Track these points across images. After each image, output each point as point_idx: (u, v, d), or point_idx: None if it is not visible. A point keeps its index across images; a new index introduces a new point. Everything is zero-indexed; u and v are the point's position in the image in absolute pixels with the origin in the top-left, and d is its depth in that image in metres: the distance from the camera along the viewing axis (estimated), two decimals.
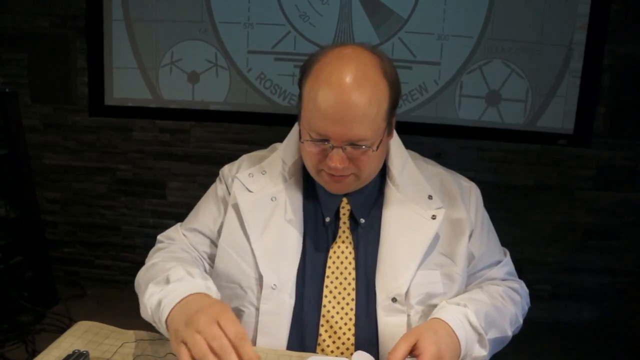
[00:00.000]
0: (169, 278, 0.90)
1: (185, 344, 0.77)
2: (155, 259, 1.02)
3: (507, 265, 1.09)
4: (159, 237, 1.11)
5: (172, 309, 0.84)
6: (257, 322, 0.98)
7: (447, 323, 0.90)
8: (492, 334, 0.95)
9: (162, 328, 0.86)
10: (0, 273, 2.33)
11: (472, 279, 1.06)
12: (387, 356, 0.84)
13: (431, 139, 2.57)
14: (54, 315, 2.38)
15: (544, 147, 2.59)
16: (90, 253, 2.74)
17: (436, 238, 1.00)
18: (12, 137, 2.42)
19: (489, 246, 1.08)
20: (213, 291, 0.89)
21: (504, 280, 1.07)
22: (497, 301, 1.01)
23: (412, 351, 0.85)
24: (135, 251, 2.62)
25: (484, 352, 0.93)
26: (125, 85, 2.67)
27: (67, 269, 2.76)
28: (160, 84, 2.64)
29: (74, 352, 0.88)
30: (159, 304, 0.86)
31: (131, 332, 0.99)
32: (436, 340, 0.86)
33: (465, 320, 0.92)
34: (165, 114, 2.63)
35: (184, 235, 1.09)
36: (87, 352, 0.89)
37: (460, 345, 0.88)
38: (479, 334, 0.92)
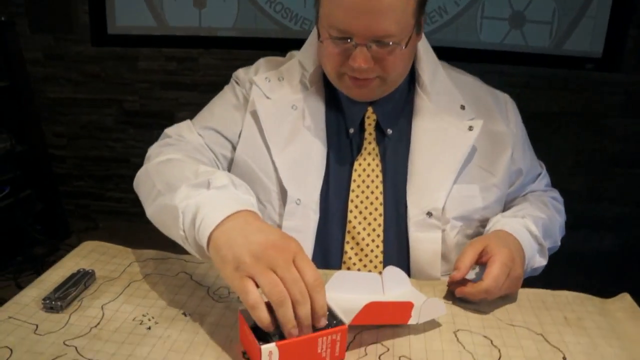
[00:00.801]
0: (210, 182, 0.74)
1: (253, 279, 0.63)
2: (169, 154, 0.88)
3: (545, 177, 1.06)
4: (167, 130, 0.98)
5: (220, 223, 0.67)
6: None
7: (510, 233, 0.86)
8: (548, 244, 0.92)
9: (195, 241, 0.70)
10: (11, 206, 2.31)
11: (517, 194, 1.01)
12: (454, 265, 0.82)
13: (451, 63, 2.44)
14: (67, 247, 2.36)
15: (570, 71, 2.46)
16: (100, 186, 2.69)
17: (473, 150, 0.92)
18: (12, 68, 2.32)
19: (532, 160, 1.03)
20: (257, 210, 0.74)
21: (544, 192, 1.04)
22: (548, 212, 0.97)
23: (480, 258, 0.82)
24: None
25: (544, 262, 0.91)
26: (128, 12, 2.54)
27: (78, 202, 2.72)
28: (165, 10, 2.51)
29: (78, 271, 0.82)
30: (197, 211, 0.69)
31: (140, 251, 0.92)
32: (506, 243, 0.82)
33: (526, 231, 0.88)
34: (172, 41, 2.51)
35: (199, 134, 0.96)
36: (92, 270, 0.82)
37: (525, 256, 0.84)
38: (540, 244, 0.89)
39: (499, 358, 0.70)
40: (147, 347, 0.68)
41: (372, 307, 0.66)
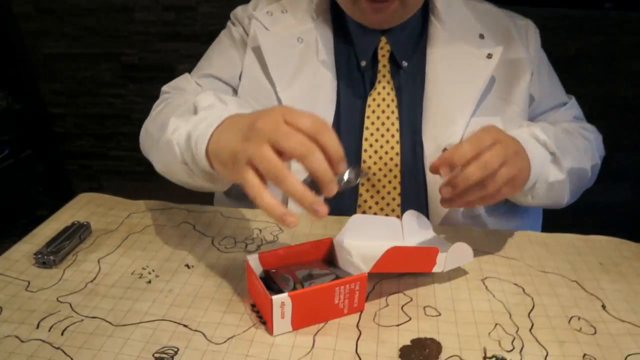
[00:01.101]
0: (197, 106, 0.69)
1: (252, 164, 0.56)
2: (163, 105, 0.84)
3: (573, 108, 0.96)
4: (164, 87, 0.93)
5: (212, 134, 0.61)
6: None
7: (514, 137, 0.72)
8: (569, 162, 0.79)
9: (198, 165, 0.65)
10: (11, 168, 2.25)
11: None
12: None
13: None
14: None
15: (587, 12, 2.33)
16: (102, 145, 2.62)
17: (492, 81, 0.84)
18: (3, 24, 2.23)
19: (552, 88, 0.94)
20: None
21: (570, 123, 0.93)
22: (566, 131, 0.88)
23: None
24: None
25: (560, 176, 0.78)
26: None
27: (80, 162, 2.66)
28: None
29: (73, 224, 0.76)
30: (189, 136, 0.65)
31: (140, 202, 0.86)
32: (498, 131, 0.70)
33: (531, 138, 0.75)
34: None
35: (197, 84, 0.90)
36: (88, 223, 0.76)
37: (529, 163, 0.71)
38: (552, 153, 0.77)
39: (532, 307, 0.64)
40: (147, 302, 0.62)
41: (394, 253, 0.60)
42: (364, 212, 0.85)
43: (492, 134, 0.66)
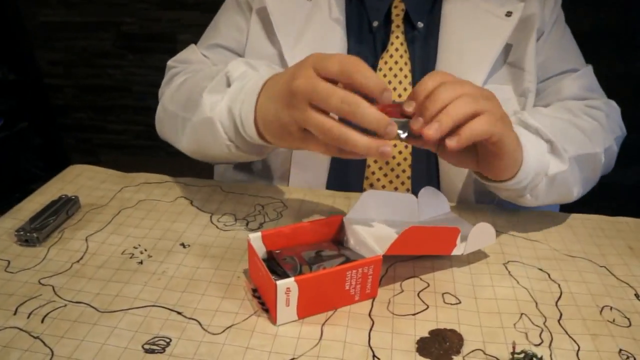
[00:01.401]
0: (229, 77, 0.66)
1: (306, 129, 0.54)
2: (180, 78, 0.79)
3: (585, 76, 0.83)
4: (169, 62, 0.88)
5: (256, 107, 0.59)
6: (290, 153, 0.78)
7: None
8: (572, 149, 0.69)
9: (247, 141, 0.63)
10: (7, 139, 2.19)
11: (538, 91, 0.81)
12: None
13: None
14: None
15: None
16: (101, 118, 2.55)
17: (508, 45, 0.77)
18: None
19: (562, 51, 0.83)
20: None
21: (580, 100, 0.82)
22: (568, 111, 0.77)
23: None
24: (149, 113, 2.37)
25: (562, 166, 0.67)
26: None
27: (78, 135, 2.59)
28: None
29: (60, 198, 0.70)
30: (229, 111, 0.63)
31: (134, 174, 0.80)
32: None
33: (519, 127, 0.66)
34: None
35: (204, 55, 0.85)
36: (76, 197, 0.70)
37: (522, 151, 0.62)
38: (548, 141, 0.67)
39: (560, 295, 0.58)
40: (138, 286, 0.56)
41: (412, 234, 0.54)
42: (371, 185, 0.79)
43: (477, 89, 0.56)
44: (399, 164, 0.78)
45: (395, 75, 0.78)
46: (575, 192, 0.72)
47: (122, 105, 2.48)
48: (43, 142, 2.35)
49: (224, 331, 0.50)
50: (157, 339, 0.49)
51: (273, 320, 0.51)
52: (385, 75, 0.78)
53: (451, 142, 0.53)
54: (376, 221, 0.61)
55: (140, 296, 0.54)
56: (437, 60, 0.78)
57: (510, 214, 0.74)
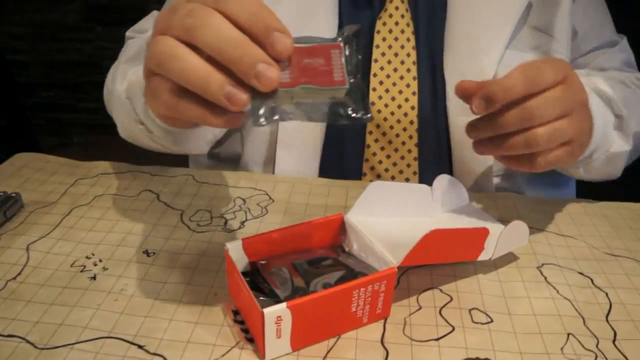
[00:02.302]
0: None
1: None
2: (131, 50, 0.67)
3: (624, 51, 0.75)
4: (128, 32, 0.75)
5: None
6: (276, 133, 0.66)
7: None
8: (634, 126, 0.61)
9: (149, 116, 0.52)
10: None
11: (577, 67, 0.72)
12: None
13: None
14: None
15: None
16: (71, 96, 2.39)
17: (529, 5, 0.66)
18: None
19: (599, 21, 0.73)
20: None
21: (620, 72, 0.73)
22: (623, 83, 0.68)
23: None
24: None
25: (625, 146, 0.60)
26: None
27: (47, 116, 2.43)
28: None
29: None
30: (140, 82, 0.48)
31: (91, 163, 0.68)
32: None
33: (593, 93, 0.56)
34: None
35: None
36: (17, 194, 0.58)
37: (592, 124, 0.53)
38: (617, 116, 0.59)
39: (610, 307, 0.48)
40: (89, 310, 0.44)
41: (433, 239, 0.42)
42: (372, 169, 0.67)
43: (559, 69, 0.46)
44: (403, 143, 0.66)
45: (396, 39, 0.66)
46: (620, 173, 0.64)
47: (92, 82, 2.33)
48: (8, 123, 2.19)
49: None
50: None
51: (260, 354, 0.40)
52: (384, 39, 0.66)
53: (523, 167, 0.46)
54: (385, 220, 0.49)
55: (90, 324, 0.43)
56: (446, 23, 0.66)
57: (535, 202, 0.64)
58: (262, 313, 0.37)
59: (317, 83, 0.35)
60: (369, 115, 0.36)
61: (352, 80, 0.35)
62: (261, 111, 0.34)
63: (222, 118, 0.35)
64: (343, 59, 0.36)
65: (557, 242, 0.57)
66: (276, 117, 0.35)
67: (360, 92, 0.36)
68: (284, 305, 0.37)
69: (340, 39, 0.36)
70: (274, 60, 0.33)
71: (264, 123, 0.34)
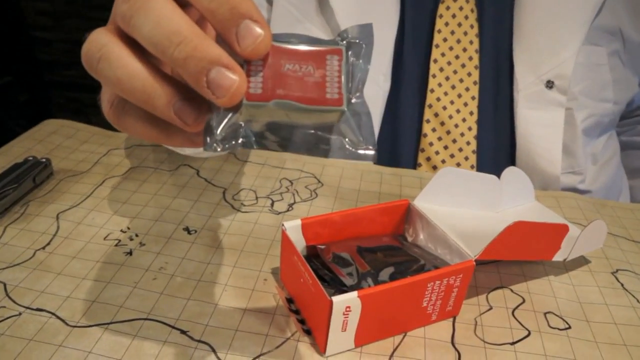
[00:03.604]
0: None
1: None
2: None
3: None
4: None
5: None
6: None
7: None
8: None
9: None
10: None
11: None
12: None
13: None
14: None
15: None
16: (92, 76, 2.36)
17: None
18: None
19: None
20: None
21: None
22: None
23: None
24: None
25: None
26: None
27: (68, 95, 2.40)
28: None
29: (26, 161, 0.53)
30: None
31: (124, 134, 0.63)
32: None
33: None
34: None
35: None
36: (47, 160, 0.54)
37: None
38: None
39: None
40: (125, 288, 0.40)
41: (516, 232, 0.38)
42: (428, 158, 0.62)
43: None
44: (462, 135, 0.61)
45: (460, 25, 0.62)
46: None
47: None
48: (29, 98, 2.16)
49: None
50: None
51: (320, 348, 0.35)
52: (447, 24, 0.62)
53: None
54: (454, 211, 0.45)
55: (127, 304, 0.38)
56: (515, 9, 0.62)
57: (601, 205, 0.59)
58: (331, 302, 0.32)
59: (301, 99, 0.25)
60: (372, 151, 0.26)
61: (353, 101, 0.26)
62: (218, 131, 0.25)
63: (177, 138, 0.28)
64: (343, 70, 0.26)
65: (629, 247, 0.52)
66: (239, 142, 0.25)
67: (362, 117, 0.26)
68: (354, 294, 0.33)
69: (343, 41, 0.27)
70: (244, 62, 0.25)
71: (219, 149, 0.25)
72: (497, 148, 0.63)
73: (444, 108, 0.61)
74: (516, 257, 0.42)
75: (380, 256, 0.39)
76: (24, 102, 2.15)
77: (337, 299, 0.32)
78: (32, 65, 2.19)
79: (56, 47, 2.33)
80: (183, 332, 0.36)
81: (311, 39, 0.27)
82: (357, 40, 0.27)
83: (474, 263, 0.37)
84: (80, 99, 2.41)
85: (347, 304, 0.33)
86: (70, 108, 2.39)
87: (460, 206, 0.46)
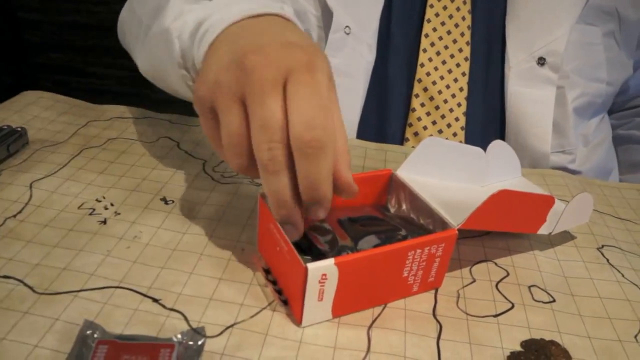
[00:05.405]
0: None
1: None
2: None
3: None
4: None
5: (224, 30, 0.37)
6: None
7: None
8: None
9: (194, 65, 0.41)
10: None
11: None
12: None
13: None
14: None
15: None
16: (80, 59, 2.32)
17: None
18: None
19: None
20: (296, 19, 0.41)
21: None
22: None
23: None
24: None
25: None
26: None
27: (55, 78, 2.37)
28: None
29: (0, 129, 0.51)
30: (200, 24, 0.39)
31: (105, 106, 0.62)
32: None
33: None
34: None
35: None
36: (23, 129, 0.52)
37: None
38: None
39: None
40: (97, 256, 0.39)
41: (500, 201, 0.37)
42: (416, 134, 0.61)
43: None
44: (451, 110, 0.60)
45: (451, 17, 0.60)
46: None
47: (104, 46, 2.26)
48: (14, 81, 2.13)
49: (222, 333, 0.33)
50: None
51: (297, 319, 0.34)
52: (437, 15, 0.60)
53: None
54: (436, 183, 0.44)
55: (98, 271, 0.37)
56: None
57: (587, 184, 0.58)
58: (306, 269, 0.31)
59: None
60: None
61: None
62: None
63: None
64: None
65: (615, 224, 0.51)
66: None
67: None
68: (331, 261, 0.32)
69: (177, 338, 0.32)
70: None
71: None
72: (487, 124, 0.62)
73: (434, 83, 0.60)
74: (500, 228, 0.41)
75: (360, 226, 0.38)
76: (9, 84, 2.12)
77: (312, 266, 0.31)
78: (18, 47, 2.16)
79: (43, 29, 2.30)
80: (155, 300, 0.35)
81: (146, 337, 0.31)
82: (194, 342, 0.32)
83: (457, 232, 0.36)
84: (66, 81, 2.37)
85: (323, 272, 0.32)
86: (55, 91, 2.35)
87: (445, 178, 0.45)
